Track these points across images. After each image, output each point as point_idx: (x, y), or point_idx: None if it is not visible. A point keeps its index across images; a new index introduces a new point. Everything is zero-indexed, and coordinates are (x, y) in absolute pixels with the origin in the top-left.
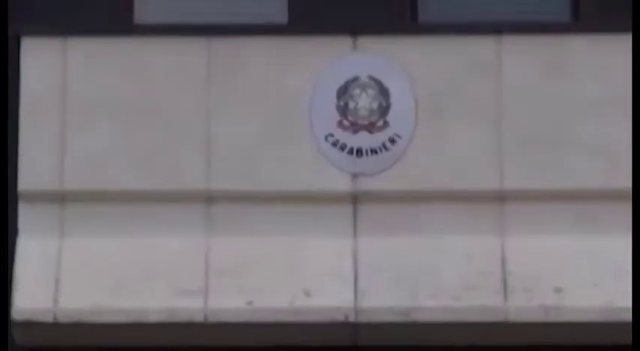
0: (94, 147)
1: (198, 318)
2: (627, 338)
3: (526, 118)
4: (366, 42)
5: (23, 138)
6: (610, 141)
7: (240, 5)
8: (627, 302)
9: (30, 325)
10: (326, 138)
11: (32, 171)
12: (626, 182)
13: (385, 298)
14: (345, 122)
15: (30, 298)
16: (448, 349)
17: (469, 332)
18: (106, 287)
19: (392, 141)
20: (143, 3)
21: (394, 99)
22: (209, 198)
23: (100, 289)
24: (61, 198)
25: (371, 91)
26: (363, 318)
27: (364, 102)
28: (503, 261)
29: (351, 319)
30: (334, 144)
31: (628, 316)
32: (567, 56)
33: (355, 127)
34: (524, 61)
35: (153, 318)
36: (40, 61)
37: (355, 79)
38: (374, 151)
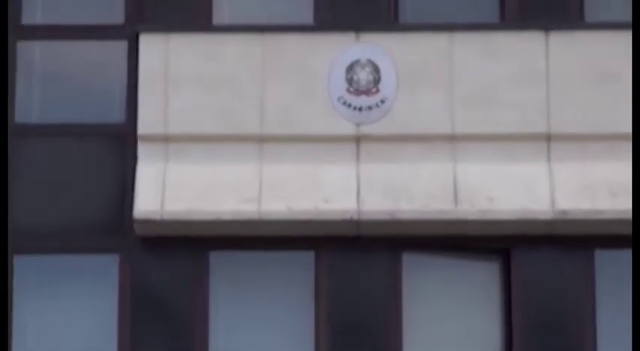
0: (187, 104)
1: (254, 217)
2: (535, 230)
3: (469, 86)
4: (365, 36)
5: (141, 100)
6: (524, 101)
7: (283, 12)
8: (535, 206)
9: (145, 222)
10: (338, 99)
11: (147, 120)
12: (534, 128)
13: (377, 204)
14: (351, 89)
15: (145, 204)
16: (418, 237)
17: (433, 227)
18: (194, 196)
19: (382, 101)
20: (219, 9)
21: (383, 74)
22: (261, 138)
23: (190, 197)
24: (165, 138)
25: (368, 69)
26: (363, 217)
27: (363, 76)
28: (455, 180)
29: (355, 217)
30: (344, 103)
31: (537, 216)
32: (497, 45)
33: (358, 93)
34: (468, 49)
35: (225, 217)
36: (152, 49)
37: (357, 61)
38: (370, 108)
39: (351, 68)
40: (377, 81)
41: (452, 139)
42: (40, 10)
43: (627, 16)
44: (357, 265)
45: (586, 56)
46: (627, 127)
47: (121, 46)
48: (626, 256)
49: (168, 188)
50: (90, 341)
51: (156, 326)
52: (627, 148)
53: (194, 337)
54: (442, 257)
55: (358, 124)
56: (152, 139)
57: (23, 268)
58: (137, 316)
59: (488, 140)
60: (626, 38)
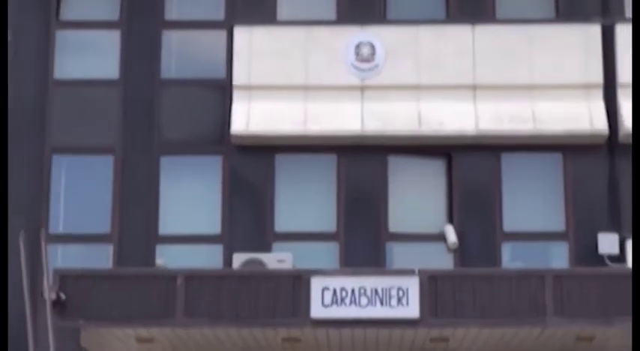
0: (261, 67)
1: (302, 134)
2: (466, 142)
3: (427, 57)
4: (367, 27)
5: (235, 65)
6: (460, 66)
7: (317, 11)
8: (467, 127)
9: (238, 136)
10: (350, 65)
11: (238, 77)
12: (466, 81)
13: (373, 126)
14: (358, 59)
15: (238, 126)
16: (398, 146)
17: (406, 140)
18: (266, 121)
19: (376, 66)
20: (280, 10)
21: (377, 50)
22: (306, 87)
23: (264, 121)
24: (249, 87)
25: (368, 47)
26: (365, 134)
27: (365, 51)
28: (419, 111)
29: (360, 133)
30: (354, 67)
31: (467, 133)
32: (444, 33)
33: (362, 61)
34: (427, 35)
35: (284, 134)
36: (241, 35)
37: (362, 42)
38: (369, 70)
39: (358, 46)
40: (373, 54)
41: (417, 88)
42: (176, 11)
43: (524, 14)
44: (361, 163)
45: (496, 39)
46: (522, 80)
47: (222, 34)
48: (520, 156)
49: (251, 116)
50: (205, 210)
51: (243, 200)
52: (522, 93)
53: (266, 208)
54: (411, 158)
55: (362, 79)
56: (241, 87)
57: (166, 164)
58: (232, 193)
59: (439, 89)
60: (522, 29)
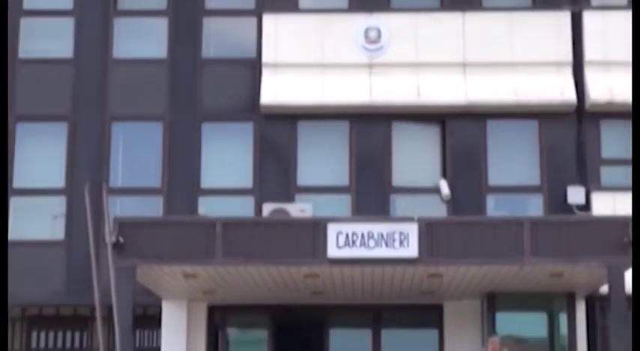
0: (285, 47)
1: (319, 103)
2: (458, 110)
3: (426, 39)
4: (374, 14)
5: (264, 48)
6: (452, 47)
7: (331, 1)
8: (458, 98)
9: (266, 106)
10: (361, 46)
11: (267, 55)
12: (457, 59)
13: (379, 96)
14: (367, 41)
15: (266, 97)
16: (400, 114)
17: (407, 108)
18: (290, 92)
19: (382, 47)
20: (301, 1)
21: (382, 33)
22: (323, 65)
23: (288, 92)
24: (275, 65)
25: (375, 30)
26: (373, 104)
27: (373, 34)
28: (418, 84)
29: (368, 103)
30: (363, 48)
31: (459, 103)
32: (438, 19)
33: (370, 43)
34: (425, 21)
35: (305, 103)
36: (270, 20)
37: (370, 26)
38: (376, 50)
39: (366, 30)
40: (379, 37)
41: (416, 65)
42: (214, 1)
43: (506, 3)
44: (370, 128)
45: (483, 24)
46: (504, 58)
47: (253, 20)
48: (503, 122)
49: (278, 89)
50: (239, 168)
51: (270, 159)
52: (504, 69)
53: (290, 166)
54: (411, 124)
55: (370, 58)
56: (269, 65)
57: (206, 130)
58: (261, 154)
59: (435, 66)
60: (504, 15)
